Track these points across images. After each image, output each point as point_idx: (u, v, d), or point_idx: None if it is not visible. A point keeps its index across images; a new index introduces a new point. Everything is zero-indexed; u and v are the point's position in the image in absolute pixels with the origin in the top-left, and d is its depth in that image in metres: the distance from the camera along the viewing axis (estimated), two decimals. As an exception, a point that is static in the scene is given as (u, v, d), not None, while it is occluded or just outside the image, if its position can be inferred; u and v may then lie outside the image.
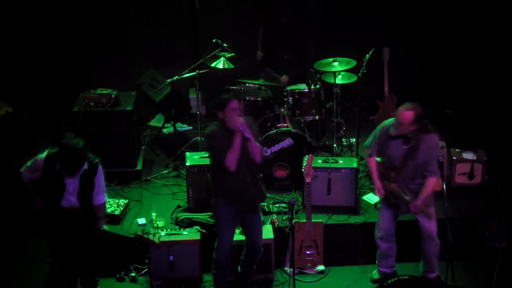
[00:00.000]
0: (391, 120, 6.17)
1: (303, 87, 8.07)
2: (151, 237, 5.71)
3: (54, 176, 5.68)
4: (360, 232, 6.97)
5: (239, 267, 6.45)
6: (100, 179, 5.83)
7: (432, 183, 6.04)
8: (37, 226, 6.01)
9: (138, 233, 5.72)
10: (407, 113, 5.91)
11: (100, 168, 5.81)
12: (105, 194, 5.92)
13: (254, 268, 6.42)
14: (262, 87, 8.18)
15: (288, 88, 8.12)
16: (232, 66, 7.96)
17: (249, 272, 6.42)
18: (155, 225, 6.89)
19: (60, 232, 5.81)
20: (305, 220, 6.68)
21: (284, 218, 7.04)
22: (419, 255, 6.48)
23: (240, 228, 6.32)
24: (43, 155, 5.73)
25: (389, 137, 6.12)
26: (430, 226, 6.24)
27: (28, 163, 5.82)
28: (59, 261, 5.93)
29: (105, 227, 5.92)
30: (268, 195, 7.41)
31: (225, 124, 5.82)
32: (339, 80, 8.16)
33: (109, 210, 6.99)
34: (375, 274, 6.65)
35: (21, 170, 5.86)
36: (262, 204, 7.19)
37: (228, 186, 5.95)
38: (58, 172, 5.67)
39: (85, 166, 5.69)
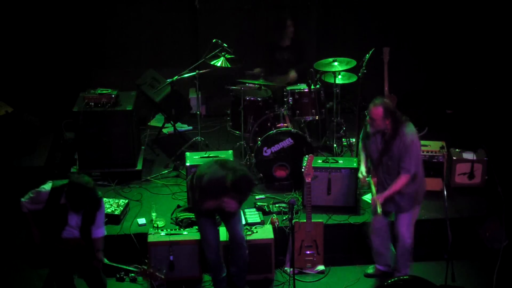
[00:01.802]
0: None
1: (303, 87, 8.07)
2: (158, 273, 5.73)
3: (57, 209, 5.54)
4: (360, 232, 6.97)
5: (229, 269, 6.39)
6: (102, 214, 5.73)
7: (403, 180, 5.97)
8: (34, 259, 5.82)
9: (144, 267, 5.72)
10: (377, 109, 5.92)
11: (102, 202, 5.72)
12: (104, 228, 5.82)
13: (245, 270, 6.37)
14: (262, 87, 8.18)
15: (288, 88, 8.12)
16: (228, 65, 7.94)
17: (239, 273, 6.35)
18: (155, 225, 6.89)
19: (61, 263, 5.73)
20: (305, 220, 6.68)
21: (284, 218, 7.04)
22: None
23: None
24: (48, 187, 5.56)
25: (369, 134, 6.16)
26: (400, 227, 6.23)
27: (31, 194, 5.63)
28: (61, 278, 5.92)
29: (105, 259, 5.76)
30: (268, 195, 7.50)
31: None
32: (339, 80, 8.16)
33: (109, 210, 6.99)
34: (370, 269, 6.69)
35: (23, 199, 5.64)
36: (262, 204, 7.23)
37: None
38: (62, 206, 5.52)
39: None
